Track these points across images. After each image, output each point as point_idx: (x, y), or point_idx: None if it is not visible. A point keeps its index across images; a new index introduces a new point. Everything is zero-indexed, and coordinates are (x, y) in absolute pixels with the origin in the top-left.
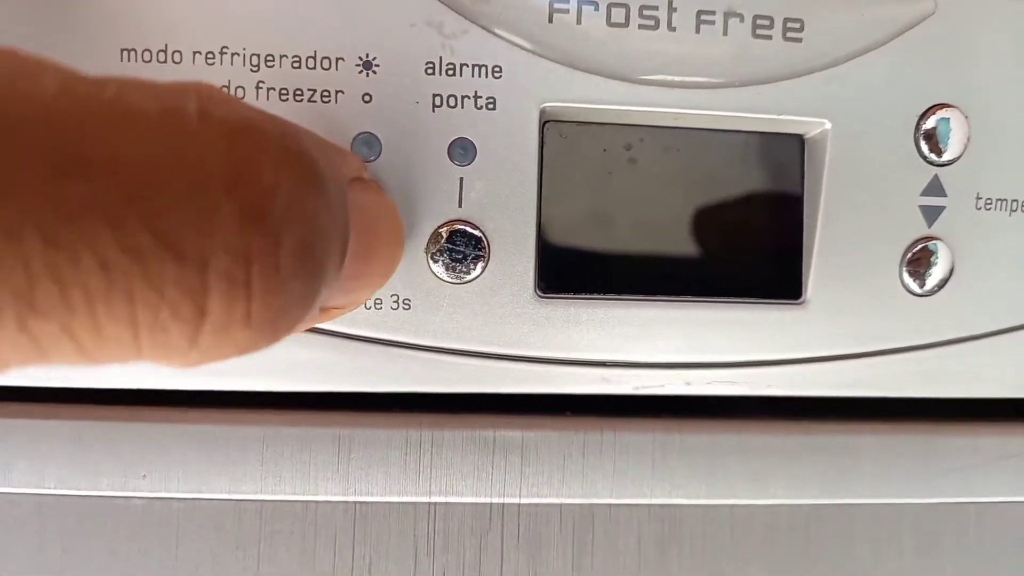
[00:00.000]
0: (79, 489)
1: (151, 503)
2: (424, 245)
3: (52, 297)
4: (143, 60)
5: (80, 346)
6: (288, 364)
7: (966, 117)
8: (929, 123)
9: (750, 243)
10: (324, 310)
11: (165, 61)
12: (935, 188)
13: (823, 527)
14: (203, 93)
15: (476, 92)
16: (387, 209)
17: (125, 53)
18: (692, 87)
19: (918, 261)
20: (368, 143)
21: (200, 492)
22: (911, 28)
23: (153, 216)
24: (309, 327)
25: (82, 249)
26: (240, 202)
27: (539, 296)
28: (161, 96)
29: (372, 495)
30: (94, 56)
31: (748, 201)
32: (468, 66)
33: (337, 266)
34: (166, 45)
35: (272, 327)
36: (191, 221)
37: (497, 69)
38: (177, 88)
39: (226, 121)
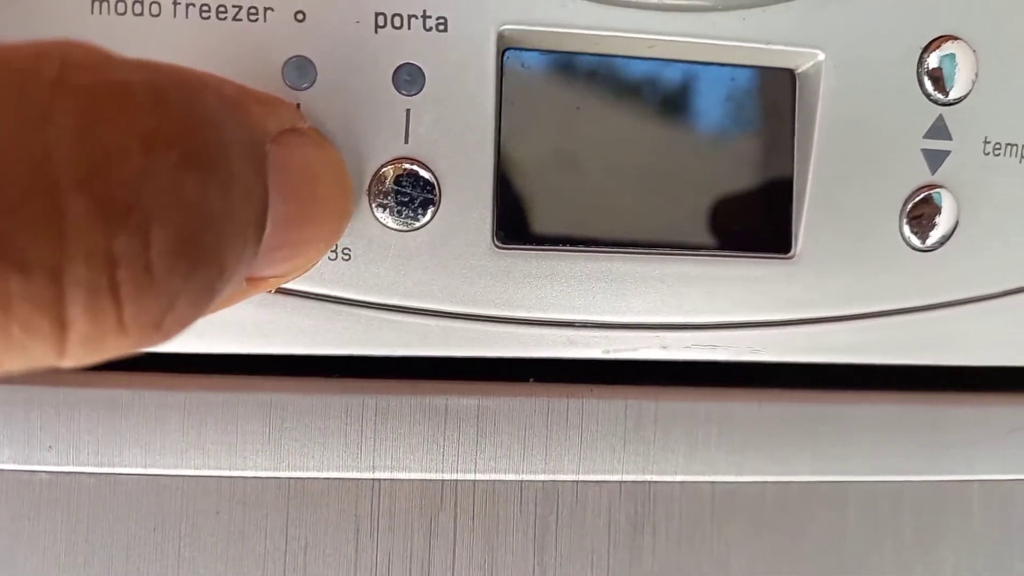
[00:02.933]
0: None
1: (58, 478)
2: (366, 187)
3: None
4: None
5: None
6: (210, 323)
7: (974, 51)
8: (933, 57)
9: (734, 190)
10: (254, 281)
11: None
12: (939, 130)
13: (814, 507)
14: (68, 56)
15: (425, 11)
16: (328, 163)
17: None
18: (670, 10)
19: (920, 212)
20: (301, 68)
21: (113, 466)
22: None
23: None
24: (236, 303)
25: None
26: (94, 195)
27: (497, 247)
28: (11, 63)
29: (308, 470)
30: None
31: (732, 143)
32: None
33: (252, 243)
34: None
35: (155, 329)
36: (35, 224)
37: None
38: (35, 52)
39: (87, 92)
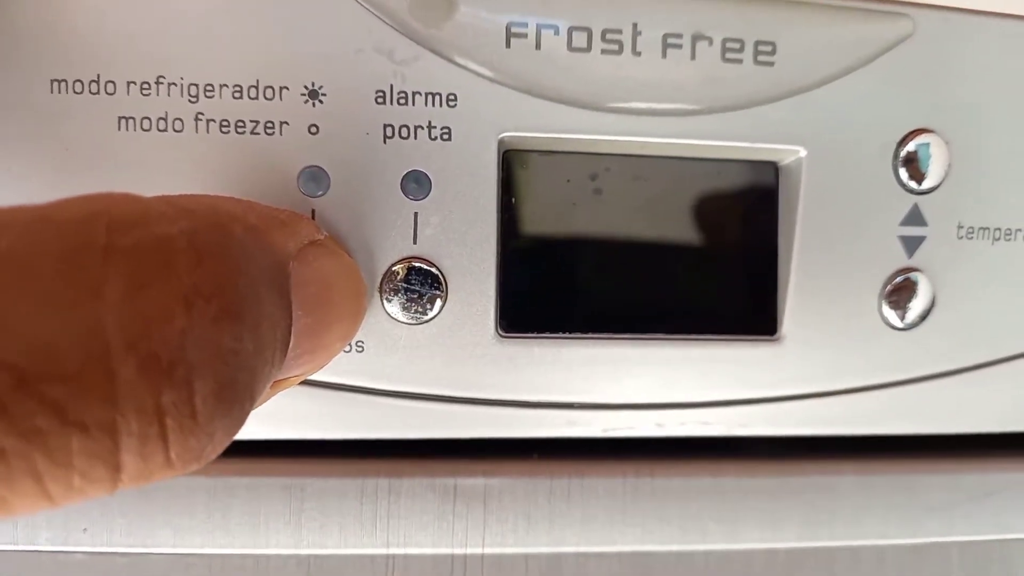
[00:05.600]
0: (16, 544)
1: (93, 558)
2: (378, 284)
3: None
4: (74, 91)
5: None
6: None
7: (946, 143)
8: (908, 149)
9: (722, 277)
10: (277, 383)
11: (97, 92)
12: (915, 217)
13: (802, 572)
14: (113, 215)
15: (430, 122)
16: (344, 272)
17: (55, 84)
18: (659, 114)
19: (898, 293)
20: (315, 177)
21: (144, 546)
22: (888, 50)
23: (48, 394)
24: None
25: None
26: (141, 356)
27: (501, 336)
28: (65, 233)
29: (326, 547)
30: (22, 88)
31: (720, 233)
32: (421, 94)
33: (279, 361)
34: (98, 75)
35: (197, 459)
36: (91, 388)
37: (452, 97)
38: (84, 214)
39: (132, 254)
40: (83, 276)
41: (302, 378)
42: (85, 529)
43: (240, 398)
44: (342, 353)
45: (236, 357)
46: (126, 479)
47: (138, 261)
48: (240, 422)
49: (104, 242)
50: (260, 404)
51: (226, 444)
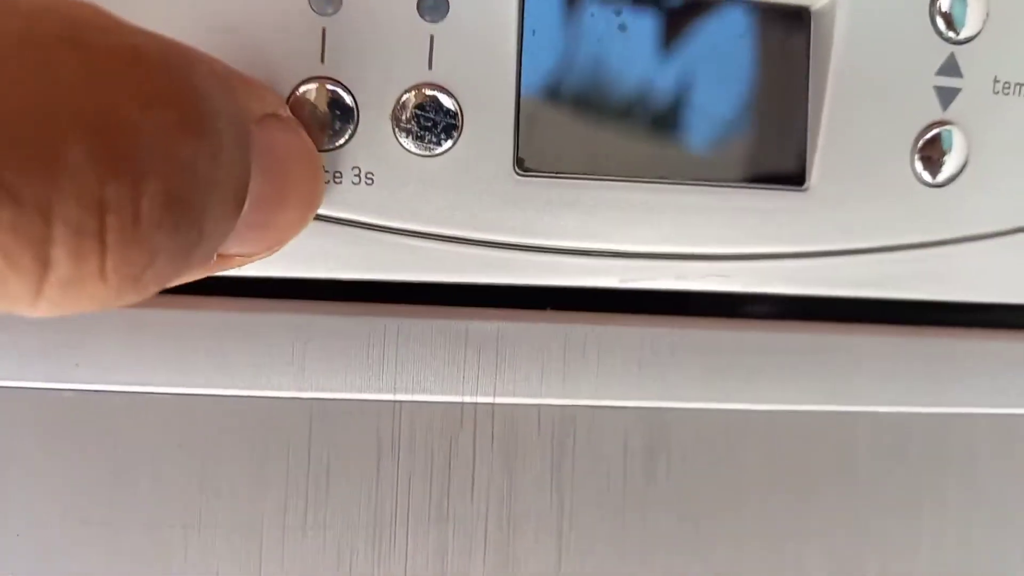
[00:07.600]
0: (4, 379)
1: (85, 396)
2: (390, 112)
3: None
4: None
5: None
6: None
7: None
8: None
9: (750, 124)
10: (223, 257)
11: None
12: (951, 67)
13: (823, 436)
14: (85, 17)
15: None
16: (303, 151)
17: None
18: None
19: (931, 147)
20: None
21: (140, 385)
22: None
23: None
24: (202, 277)
25: None
26: (93, 143)
27: (518, 174)
28: (29, 15)
29: (330, 391)
30: None
31: (748, 78)
32: None
33: (231, 215)
34: None
35: (134, 283)
36: (34, 160)
37: None
38: (48, 5)
39: (97, 50)
40: (46, 53)
41: (248, 261)
42: (77, 364)
43: (188, 220)
44: (351, 185)
45: (189, 172)
46: (53, 282)
47: (102, 56)
48: (183, 257)
49: (70, 35)
50: (203, 274)
51: (168, 279)
